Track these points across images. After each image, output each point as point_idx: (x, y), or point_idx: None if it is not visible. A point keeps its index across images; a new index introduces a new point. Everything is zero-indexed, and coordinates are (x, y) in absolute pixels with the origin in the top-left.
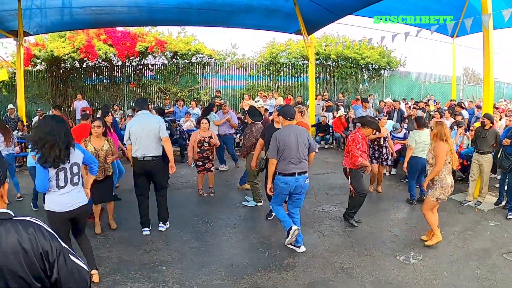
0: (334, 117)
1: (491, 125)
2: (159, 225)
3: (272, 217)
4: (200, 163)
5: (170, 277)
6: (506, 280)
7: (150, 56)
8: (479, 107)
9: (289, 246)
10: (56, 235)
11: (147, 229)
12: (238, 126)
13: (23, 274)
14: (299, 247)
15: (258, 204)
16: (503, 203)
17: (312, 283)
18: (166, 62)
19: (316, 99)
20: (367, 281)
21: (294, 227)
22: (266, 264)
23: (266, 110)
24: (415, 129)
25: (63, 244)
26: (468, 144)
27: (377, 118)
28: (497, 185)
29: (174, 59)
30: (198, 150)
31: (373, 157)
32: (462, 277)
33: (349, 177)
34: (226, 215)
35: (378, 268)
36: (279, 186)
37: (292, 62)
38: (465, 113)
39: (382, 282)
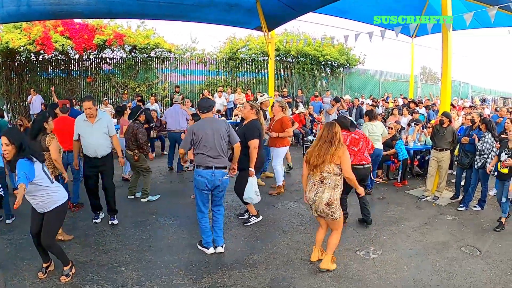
0: (293, 113)
1: (449, 123)
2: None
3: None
4: None
5: (129, 278)
6: (464, 273)
7: (108, 49)
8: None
9: (199, 247)
10: None
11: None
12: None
13: None
14: (216, 247)
15: (144, 200)
16: (460, 197)
17: (274, 280)
18: (124, 56)
19: (274, 95)
20: (329, 277)
21: (209, 251)
22: (226, 262)
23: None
24: (367, 121)
25: None
26: (425, 141)
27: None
28: (453, 181)
29: (132, 53)
30: None
31: None
32: (421, 270)
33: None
34: (187, 212)
35: (339, 264)
36: (195, 180)
37: (252, 58)
38: (423, 111)
39: (344, 277)
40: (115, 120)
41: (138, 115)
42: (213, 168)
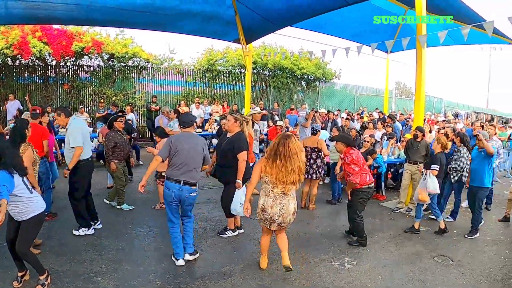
0: (268, 126)
1: (422, 137)
2: (98, 223)
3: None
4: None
5: None
6: (437, 281)
7: (86, 57)
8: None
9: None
10: None
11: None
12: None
13: None
14: (184, 254)
15: (118, 206)
16: None
17: None
18: (102, 64)
19: (251, 108)
20: (305, 287)
21: (179, 263)
22: (203, 272)
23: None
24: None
25: None
26: (399, 154)
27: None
28: None
29: (110, 62)
30: None
31: (311, 171)
32: (396, 280)
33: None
34: (162, 222)
35: (315, 274)
36: (164, 192)
37: (229, 70)
38: (398, 125)
39: None
40: (90, 129)
41: (111, 122)
42: (181, 183)
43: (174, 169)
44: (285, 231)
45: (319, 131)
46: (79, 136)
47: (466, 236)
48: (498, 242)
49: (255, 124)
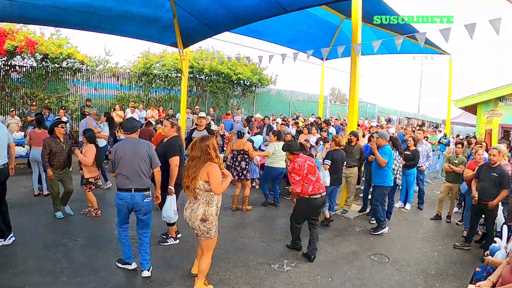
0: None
1: (356, 141)
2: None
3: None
4: (93, 179)
5: None
6: (374, 279)
7: (18, 56)
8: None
9: (119, 265)
10: None
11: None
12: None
13: None
14: (142, 271)
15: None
16: (368, 210)
17: None
18: (35, 64)
19: (186, 113)
20: None
21: (132, 266)
22: (143, 280)
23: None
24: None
25: None
26: None
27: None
28: (361, 195)
29: (43, 62)
30: None
31: (234, 174)
32: (334, 279)
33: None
34: (99, 231)
35: (255, 278)
36: (116, 202)
37: (165, 74)
38: (332, 130)
39: None
40: (22, 133)
41: (52, 128)
42: (133, 191)
43: (122, 178)
44: (208, 254)
45: (244, 133)
46: None
47: (371, 232)
48: (431, 239)
49: (195, 131)
